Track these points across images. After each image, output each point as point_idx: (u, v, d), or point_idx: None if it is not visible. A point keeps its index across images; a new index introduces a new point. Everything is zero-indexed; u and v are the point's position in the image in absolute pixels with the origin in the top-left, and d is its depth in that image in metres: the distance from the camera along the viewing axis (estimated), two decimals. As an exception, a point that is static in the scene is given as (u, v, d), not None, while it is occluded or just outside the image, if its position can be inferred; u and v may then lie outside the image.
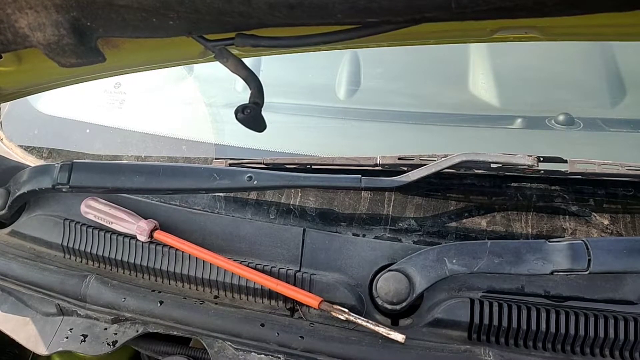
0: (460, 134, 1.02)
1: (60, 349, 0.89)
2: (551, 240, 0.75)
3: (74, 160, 0.89)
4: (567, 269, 0.72)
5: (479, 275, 0.80)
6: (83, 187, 0.88)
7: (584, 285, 0.78)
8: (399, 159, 0.87)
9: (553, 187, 0.89)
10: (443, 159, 0.83)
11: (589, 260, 0.71)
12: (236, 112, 0.57)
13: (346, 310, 0.76)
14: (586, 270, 0.71)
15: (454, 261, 0.76)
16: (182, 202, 0.99)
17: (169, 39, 0.52)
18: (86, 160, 1.03)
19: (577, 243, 0.72)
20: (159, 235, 0.88)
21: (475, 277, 0.80)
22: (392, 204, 0.91)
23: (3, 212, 0.97)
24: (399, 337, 0.72)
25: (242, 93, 1.21)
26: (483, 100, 1.08)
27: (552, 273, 0.72)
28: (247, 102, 0.58)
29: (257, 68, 1.19)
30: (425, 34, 0.56)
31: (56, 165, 0.88)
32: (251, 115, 0.57)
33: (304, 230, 0.88)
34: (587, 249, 0.71)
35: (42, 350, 0.90)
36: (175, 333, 0.86)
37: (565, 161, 0.82)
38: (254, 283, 0.84)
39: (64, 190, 0.88)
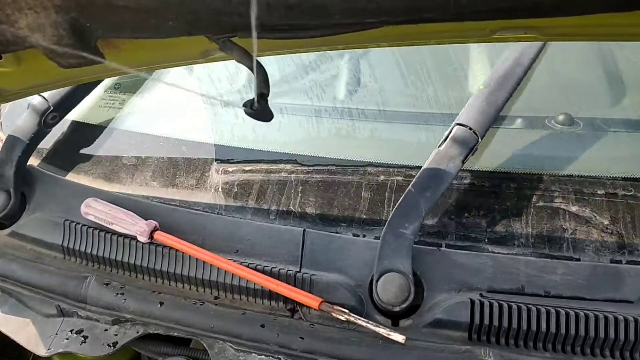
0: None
1: (60, 350, 0.89)
2: (439, 144, 0.84)
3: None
4: (468, 151, 0.83)
5: (479, 275, 0.80)
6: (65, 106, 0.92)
7: (584, 285, 0.78)
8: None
9: (553, 187, 0.89)
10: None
11: (473, 131, 0.84)
12: (244, 107, 0.58)
13: (346, 311, 0.76)
14: (479, 139, 0.84)
15: (406, 225, 0.79)
16: (182, 202, 0.99)
17: (169, 40, 0.52)
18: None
19: (456, 129, 0.84)
20: (159, 236, 0.88)
21: (476, 277, 0.80)
22: (392, 204, 0.91)
23: (4, 212, 0.97)
24: (399, 337, 0.72)
25: (242, 92, 1.22)
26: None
27: (463, 163, 0.83)
28: (255, 94, 0.58)
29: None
30: (425, 34, 0.56)
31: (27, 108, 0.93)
32: (259, 108, 0.57)
33: (304, 230, 0.88)
34: (464, 125, 0.84)
35: (42, 351, 0.90)
36: (175, 334, 0.86)
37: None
38: (254, 284, 0.84)
39: (50, 120, 0.90)
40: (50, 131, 1.07)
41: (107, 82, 1.26)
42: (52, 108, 1.01)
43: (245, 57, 0.54)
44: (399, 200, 0.82)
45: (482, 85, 0.91)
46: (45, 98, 1.01)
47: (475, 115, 0.87)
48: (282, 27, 0.48)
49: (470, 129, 0.85)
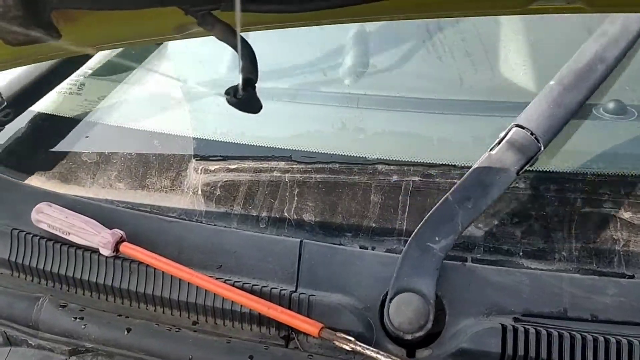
0: (489, 125, 1.02)
1: (6, 386, 0.89)
2: (491, 147, 0.84)
3: None
4: (526, 160, 0.82)
5: (512, 296, 0.80)
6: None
7: (639, 308, 0.78)
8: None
9: (601, 190, 0.89)
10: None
11: (535, 136, 0.82)
12: (227, 95, 0.57)
13: (352, 339, 0.76)
14: (541, 147, 0.82)
15: (437, 238, 0.80)
16: (153, 208, 0.99)
17: (138, 11, 0.52)
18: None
19: (513, 131, 0.83)
20: (126, 248, 0.88)
21: (509, 298, 0.80)
22: (407, 210, 0.91)
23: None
24: (415, 371, 0.72)
25: (226, 77, 1.22)
26: (517, 85, 1.08)
27: (518, 174, 0.82)
28: (239, 79, 0.58)
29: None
30: (448, 4, 0.56)
31: None
32: (244, 96, 0.57)
33: (301, 242, 0.88)
34: (524, 128, 0.83)
35: (-16, 388, 0.90)
36: (145, 366, 0.86)
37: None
38: (241, 306, 0.84)
39: (2, 117, 0.92)
40: (1, 129, 1.08)
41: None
42: (5, 104, 1.02)
43: (229, 34, 0.54)
44: (432, 209, 0.82)
45: (552, 81, 0.89)
46: None
47: (539, 117, 0.85)
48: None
49: (532, 133, 0.83)
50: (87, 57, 1.14)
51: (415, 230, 0.81)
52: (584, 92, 0.89)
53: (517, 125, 0.85)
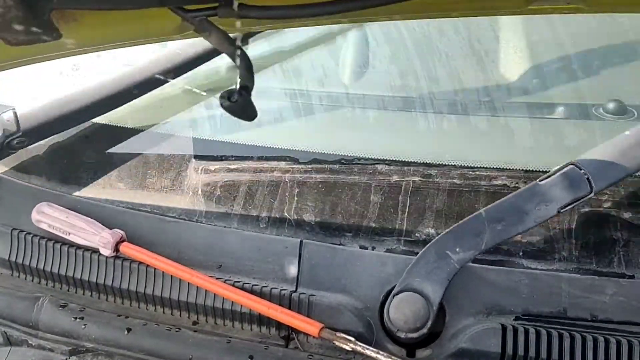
0: (488, 124, 1.02)
1: (6, 386, 0.89)
2: (541, 179, 0.81)
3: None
4: (572, 200, 0.79)
5: (512, 295, 0.80)
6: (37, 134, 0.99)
7: (639, 307, 0.78)
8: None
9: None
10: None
11: (588, 179, 0.78)
12: (221, 99, 0.57)
13: (352, 338, 0.76)
14: (591, 192, 0.78)
15: (457, 249, 0.79)
16: (153, 208, 0.99)
17: (138, 11, 0.52)
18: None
19: (568, 169, 0.80)
20: (126, 248, 0.88)
21: (508, 298, 0.80)
22: (407, 210, 0.91)
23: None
24: (415, 371, 0.72)
25: (227, 75, 1.22)
26: (516, 85, 1.08)
27: (559, 212, 0.79)
28: (235, 85, 0.58)
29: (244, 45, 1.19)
30: (447, 4, 0.56)
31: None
32: (239, 102, 0.57)
33: (301, 242, 0.88)
34: (580, 169, 0.79)
35: (-17, 389, 0.90)
36: (145, 366, 0.86)
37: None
38: (241, 306, 0.84)
39: (15, 144, 0.95)
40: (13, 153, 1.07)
41: (64, 62, 1.26)
42: (20, 134, 1.01)
43: (225, 42, 0.54)
44: (462, 220, 0.81)
45: (628, 132, 0.85)
46: (17, 119, 1.00)
47: (600, 162, 0.81)
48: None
49: (587, 176, 0.80)
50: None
51: (440, 236, 0.81)
52: None
53: (574, 164, 0.81)
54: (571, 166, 0.80)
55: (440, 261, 0.79)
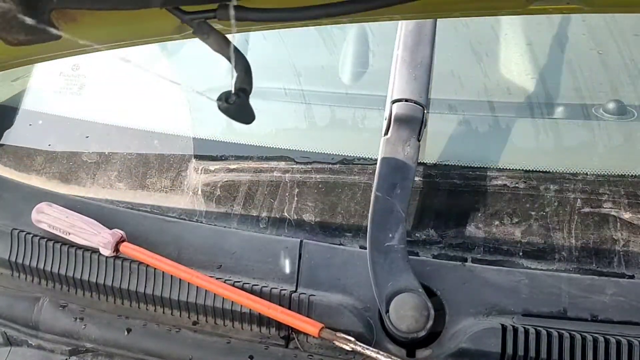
0: (488, 125, 1.02)
1: (6, 386, 0.89)
2: (384, 135, 0.85)
3: None
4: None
5: (512, 296, 0.80)
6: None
7: (638, 307, 0.78)
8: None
9: (601, 190, 0.89)
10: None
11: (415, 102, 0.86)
12: (219, 101, 0.57)
13: (352, 339, 0.76)
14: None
15: (389, 235, 0.81)
16: (153, 208, 0.99)
17: (138, 12, 0.52)
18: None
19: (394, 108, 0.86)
20: (126, 248, 0.88)
21: (509, 298, 0.80)
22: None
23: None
24: (415, 371, 0.72)
25: (226, 76, 1.21)
26: (516, 85, 1.08)
27: (418, 140, 0.85)
28: (232, 88, 0.58)
29: (244, 45, 1.19)
30: (448, 4, 0.56)
31: None
32: (237, 104, 0.57)
33: (301, 242, 0.88)
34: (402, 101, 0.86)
35: (-16, 388, 0.90)
36: (145, 367, 0.86)
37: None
38: (241, 306, 0.84)
39: None
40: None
41: (64, 62, 1.26)
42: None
43: (223, 45, 0.54)
44: (370, 212, 0.83)
45: (398, 50, 0.93)
46: None
47: (407, 85, 0.89)
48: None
49: (408, 100, 0.87)
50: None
51: (368, 239, 0.81)
52: (427, 45, 0.92)
53: (394, 101, 0.88)
54: (394, 104, 0.88)
55: (388, 256, 0.80)
